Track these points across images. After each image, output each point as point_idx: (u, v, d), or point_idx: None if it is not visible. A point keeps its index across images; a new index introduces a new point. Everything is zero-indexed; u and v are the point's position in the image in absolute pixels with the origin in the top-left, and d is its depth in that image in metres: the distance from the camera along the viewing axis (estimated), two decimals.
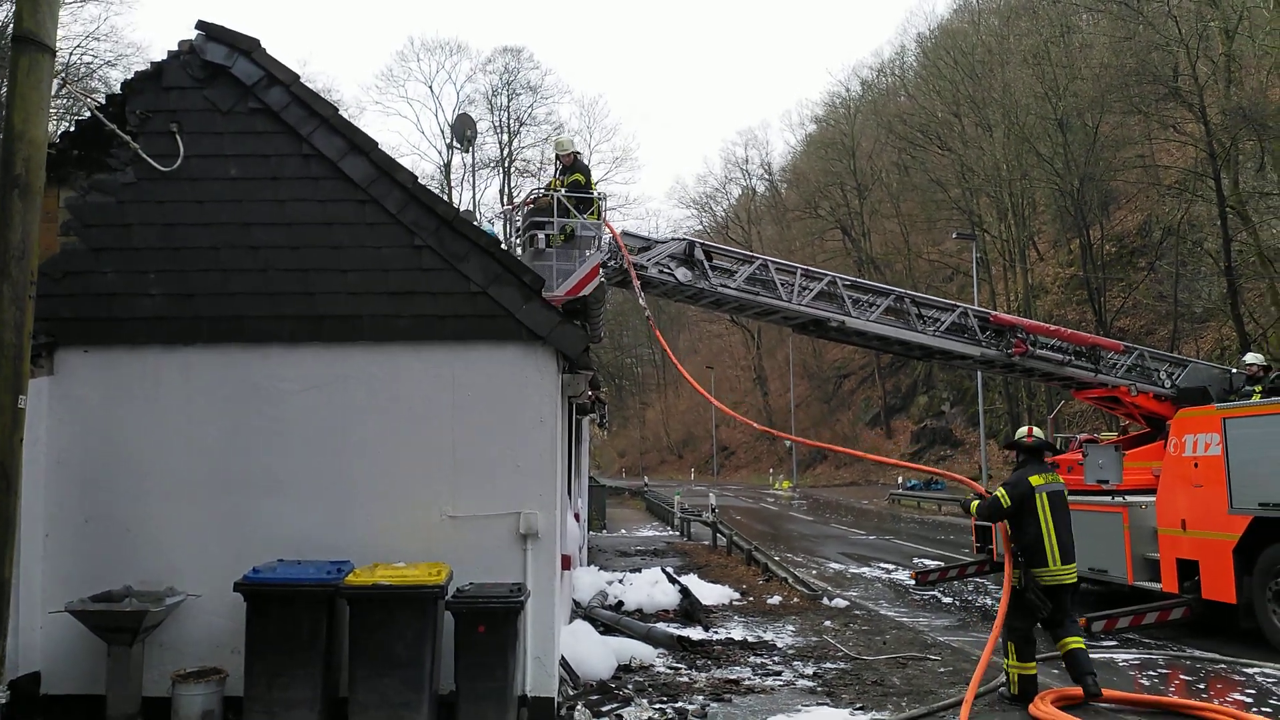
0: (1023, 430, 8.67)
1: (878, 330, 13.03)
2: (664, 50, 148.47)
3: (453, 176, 41.96)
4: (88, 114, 7.33)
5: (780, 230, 71.96)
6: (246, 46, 7.42)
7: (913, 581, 15.28)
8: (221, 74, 7.38)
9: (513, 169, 58.37)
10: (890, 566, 18.05)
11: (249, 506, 7.25)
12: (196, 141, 7.34)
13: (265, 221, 7.38)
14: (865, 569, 17.91)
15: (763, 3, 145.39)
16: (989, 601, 13.90)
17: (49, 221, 7.24)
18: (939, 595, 14.59)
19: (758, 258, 12.92)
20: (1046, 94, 35.95)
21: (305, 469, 7.29)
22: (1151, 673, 9.14)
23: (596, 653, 8.62)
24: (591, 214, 11.68)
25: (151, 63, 7.47)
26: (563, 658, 8.18)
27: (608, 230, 11.73)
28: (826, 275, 13.07)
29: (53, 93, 5.35)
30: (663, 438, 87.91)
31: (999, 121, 39.38)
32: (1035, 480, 7.96)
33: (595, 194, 11.99)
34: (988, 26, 46.96)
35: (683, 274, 11.97)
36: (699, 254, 12.15)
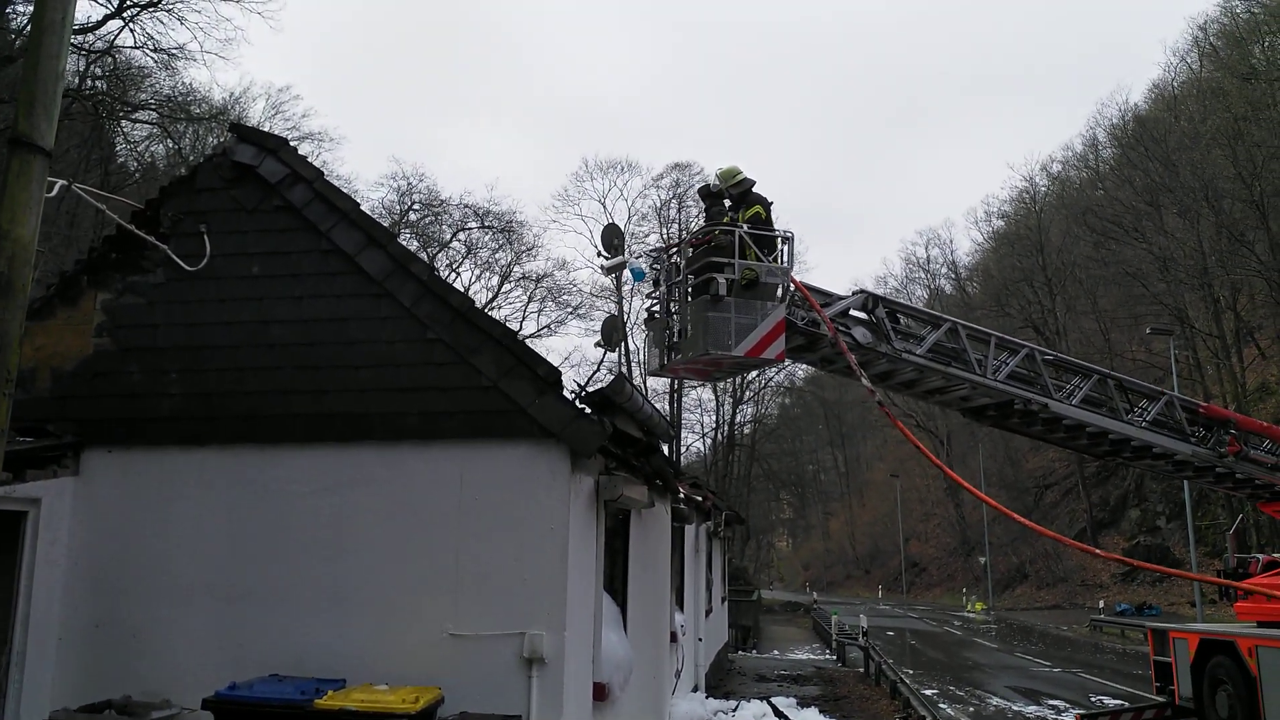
0: None
1: (1079, 417, 10.77)
2: (834, 151, 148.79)
3: (625, 287, 42.90)
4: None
5: None
6: (274, 146, 7.45)
7: None
8: (249, 174, 7.41)
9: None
10: (1063, 706, 15.60)
11: (252, 616, 6.87)
12: (222, 241, 7.34)
13: (283, 319, 7.21)
14: (1032, 708, 15.57)
15: (928, 102, 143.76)
16: None
17: (84, 324, 7.41)
18: None
19: (946, 319, 10.74)
20: (1241, 175, 32.37)
21: (309, 578, 6.86)
22: None
23: None
24: (774, 257, 9.42)
25: (187, 168, 7.64)
26: None
27: (791, 282, 9.50)
28: (1024, 347, 10.99)
29: (48, 194, 5.36)
30: (848, 551, 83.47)
31: (1195, 208, 35.79)
32: None
33: (779, 232, 9.67)
34: (1185, 112, 43.48)
35: (861, 334, 9.87)
36: (881, 311, 10.10)
